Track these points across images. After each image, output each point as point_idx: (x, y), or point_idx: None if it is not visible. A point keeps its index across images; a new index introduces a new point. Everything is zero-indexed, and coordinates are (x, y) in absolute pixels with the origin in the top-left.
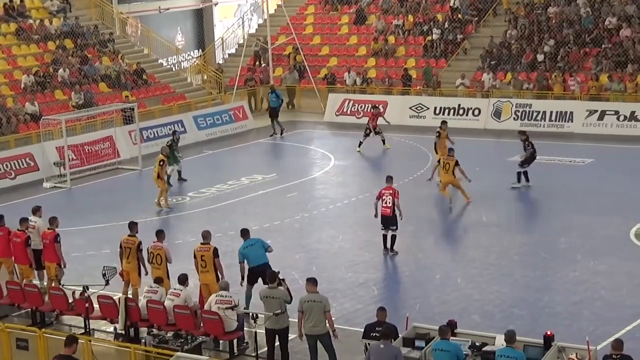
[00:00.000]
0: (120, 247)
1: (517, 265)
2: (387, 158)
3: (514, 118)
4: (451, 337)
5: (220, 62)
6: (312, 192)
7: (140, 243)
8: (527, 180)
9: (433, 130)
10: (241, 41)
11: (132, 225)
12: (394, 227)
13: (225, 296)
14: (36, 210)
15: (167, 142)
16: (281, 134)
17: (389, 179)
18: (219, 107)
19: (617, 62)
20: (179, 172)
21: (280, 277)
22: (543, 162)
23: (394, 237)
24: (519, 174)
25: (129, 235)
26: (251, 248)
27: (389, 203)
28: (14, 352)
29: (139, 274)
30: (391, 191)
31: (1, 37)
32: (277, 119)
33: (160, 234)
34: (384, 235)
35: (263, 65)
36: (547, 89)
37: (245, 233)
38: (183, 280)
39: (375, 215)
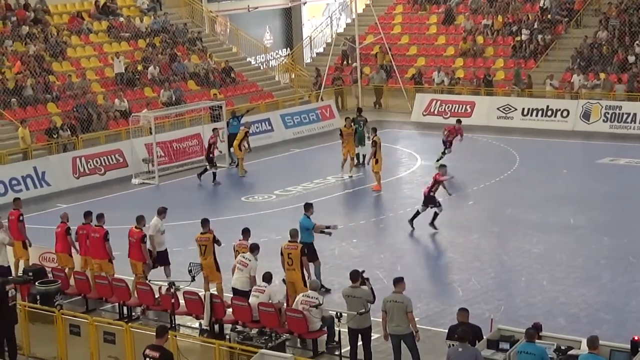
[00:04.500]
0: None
1: (604, 268)
2: (475, 159)
3: (603, 120)
4: (536, 340)
5: (309, 61)
6: (398, 192)
7: (214, 237)
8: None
9: (521, 131)
10: (329, 40)
11: (205, 222)
12: (431, 206)
13: (312, 297)
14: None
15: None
16: (233, 164)
17: (442, 167)
18: (306, 106)
19: None
20: (358, 156)
21: (365, 277)
22: (633, 164)
23: (435, 214)
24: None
25: (201, 233)
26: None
27: (429, 183)
28: (101, 345)
29: (218, 270)
30: (435, 176)
31: (93, 35)
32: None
33: (246, 232)
34: (417, 210)
35: (351, 64)
36: (638, 91)
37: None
38: (268, 277)
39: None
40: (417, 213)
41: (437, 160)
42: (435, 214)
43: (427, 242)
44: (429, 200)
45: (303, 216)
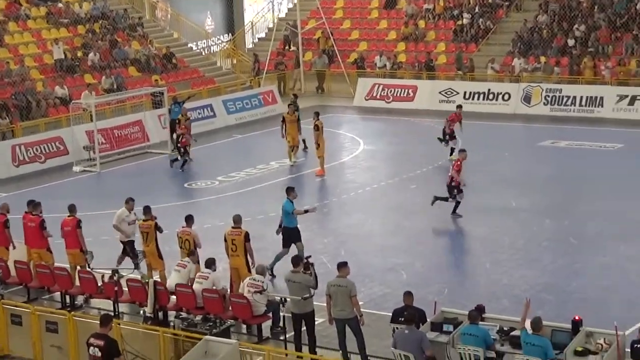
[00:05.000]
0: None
1: (546, 250)
2: (417, 143)
3: (544, 103)
4: (480, 322)
5: (250, 46)
6: (341, 177)
7: (156, 224)
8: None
9: (463, 114)
10: (271, 25)
11: (147, 209)
12: (454, 195)
13: (258, 281)
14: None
15: None
16: (174, 150)
17: (462, 152)
18: (249, 92)
19: None
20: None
21: (311, 262)
22: (573, 147)
23: (457, 202)
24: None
25: (143, 220)
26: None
27: (449, 172)
28: (43, 334)
29: (160, 257)
30: (456, 163)
31: (31, 21)
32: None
33: (189, 220)
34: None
35: (292, 49)
36: (578, 74)
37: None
38: (210, 263)
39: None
40: (458, 203)
41: (450, 155)
42: (457, 204)
43: (370, 226)
44: (452, 189)
45: (286, 200)
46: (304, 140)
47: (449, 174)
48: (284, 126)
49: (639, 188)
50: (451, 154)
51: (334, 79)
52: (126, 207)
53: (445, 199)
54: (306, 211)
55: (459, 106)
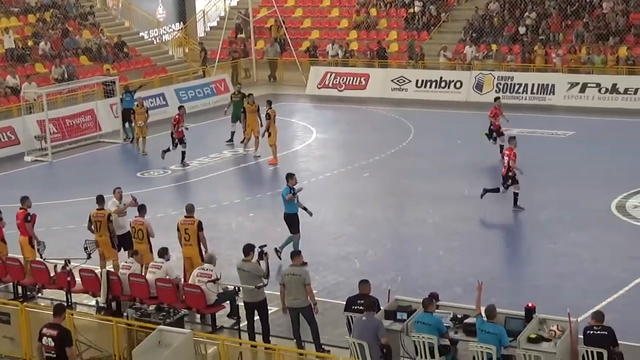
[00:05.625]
0: (90, 220)
1: (499, 238)
2: (369, 131)
3: (495, 90)
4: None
5: (202, 35)
6: (294, 165)
7: (110, 215)
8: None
9: (415, 103)
10: (223, 14)
11: (100, 199)
12: (508, 185)
13: (207, 269)
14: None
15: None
16: (131, 141)
17: (512, 139)
18: (201, 81)
19: (598, 35)
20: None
21: (265, 251)
22: (525, 134)
23: (514, 195)
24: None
25: (97, 209)
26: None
27: (505, 163)
28: None
29: (113, 247)
30: (508, 152)
31: None
32: (129, 123)
33: (142, 209)
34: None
35: (245, 38)
36: (529, 62)
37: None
38: (163, 253)
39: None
40: (516, 195)
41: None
42: (515, 195)
43: (324, 214)
44: (505, 179)
45: (285, 187)
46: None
47: (504, 164)
48: (244, 117)
49: (591, 175)
50: (498, 146)
51: (286, 67)
52: (115, 197)
53: (496, 190)
54: (305, 208)
55: (497, 98)
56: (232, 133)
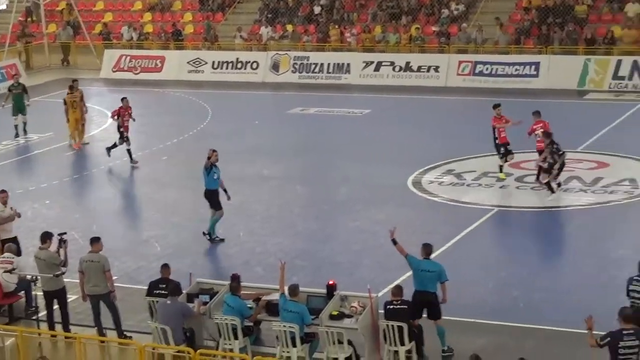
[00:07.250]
0: None
1: (299, 217)
2: (166, 114)
3: (292, 71)
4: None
5: None
6: (91, 150)
7: None
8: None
9: (212, 84)
10: None
11: None
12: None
13: (7, 258)
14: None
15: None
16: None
17: (537, 113)
18: None
19: (392, 14)
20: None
21: (64, 239)
22: (322, 113)
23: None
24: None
25: None
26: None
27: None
28: None
29: None
30: (541, 124)
31: None
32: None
33: None
34: (538, 167)
35: (36, 21)
36: (325, 42)
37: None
38: None
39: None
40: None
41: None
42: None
43: (122, 200)
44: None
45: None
46: (24, 124)
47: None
48: (66, 109)
49: (386, 153)
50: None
51: (79, 51)
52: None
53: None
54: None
55: (496, 105)
56: (16, 127)
